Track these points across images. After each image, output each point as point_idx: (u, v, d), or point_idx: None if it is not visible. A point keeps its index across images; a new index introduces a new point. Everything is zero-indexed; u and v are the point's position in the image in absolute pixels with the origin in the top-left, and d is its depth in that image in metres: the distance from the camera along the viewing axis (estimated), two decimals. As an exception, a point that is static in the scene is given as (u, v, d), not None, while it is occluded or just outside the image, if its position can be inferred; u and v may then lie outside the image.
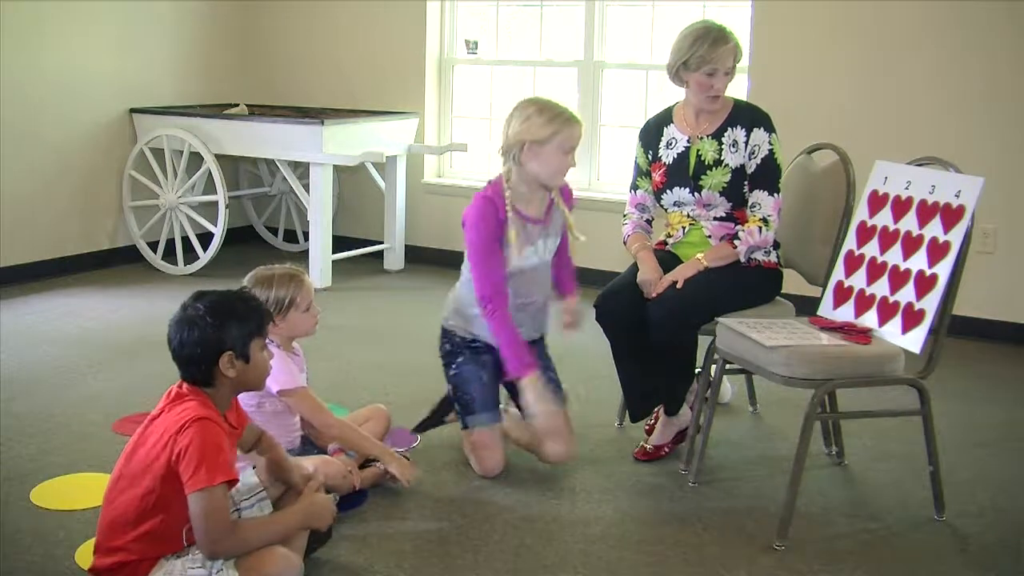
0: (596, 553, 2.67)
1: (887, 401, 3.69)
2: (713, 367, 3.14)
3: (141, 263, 5.82)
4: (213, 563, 2.18)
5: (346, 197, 6.26)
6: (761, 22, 5.05)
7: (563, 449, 3.08)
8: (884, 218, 2.96)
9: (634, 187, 3.41)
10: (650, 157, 3.36)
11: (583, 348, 4.42)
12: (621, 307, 3.20)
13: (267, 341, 2.82)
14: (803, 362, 2.73)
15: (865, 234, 3.01)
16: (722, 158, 3.23)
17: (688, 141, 3.30)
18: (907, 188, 2.92)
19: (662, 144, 3.33)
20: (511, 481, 3.04)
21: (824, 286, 3.10)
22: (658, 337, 3.07)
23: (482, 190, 3.05)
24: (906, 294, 2.81)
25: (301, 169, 5.65)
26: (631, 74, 5.64)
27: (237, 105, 6.09)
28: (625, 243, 3.37)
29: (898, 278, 2.85)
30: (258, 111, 5.97)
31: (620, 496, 3.01)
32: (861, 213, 3.04)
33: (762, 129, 3.22)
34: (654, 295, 3.10)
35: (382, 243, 5.93)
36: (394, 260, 5.92)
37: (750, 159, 3.22)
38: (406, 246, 5.99)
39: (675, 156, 3.30)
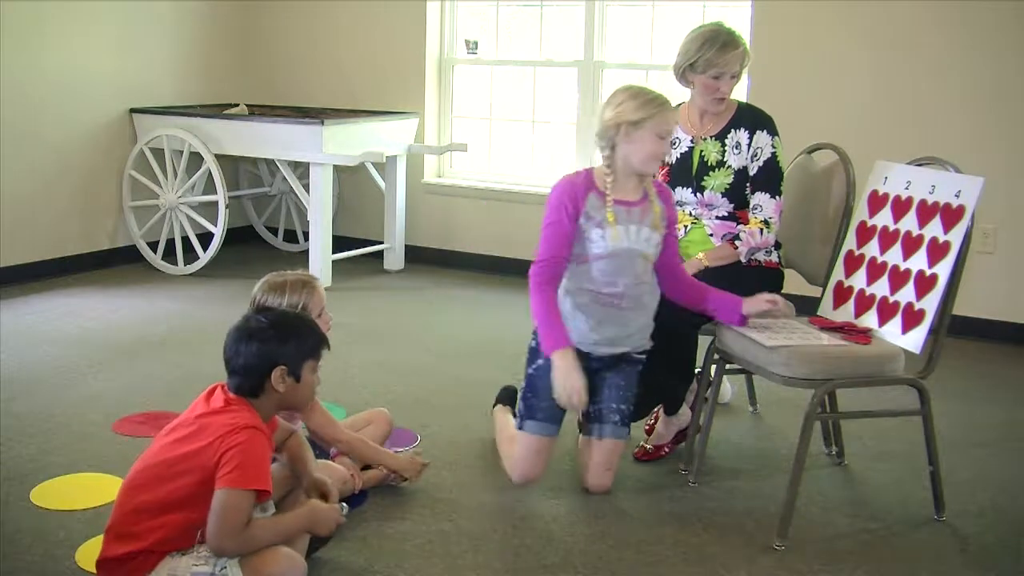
0: (596, 553, 2.67)
1: (887, 401, 3.69)
2: (713, 367, 3.14)
3: (141, 263, 5.82)
4: (218, 561, 2.19)
5: (346, 197, 6.26)
6: (761, 22, 5.05)
7: (594, 482, 2.99)
8: (884, 218, 2.96)
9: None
10: (653, 156, 3.36)
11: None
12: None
13: None
14: (803, 362, 2.74)
15: (865, 234, 3.01)
16: (725, 159, 3.24)
17: (692, 142, 3.30)
18: (907, 188, 2.92)
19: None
20: (511, 481, 3.04)
21: (824, 286, 3.11)
22: (658, 337, 3.07)
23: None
24: (906, 294, 2.81)
25: (301, 169, 5.65)
26: (631, 74, 5.64)
27: (237, 105, 6.09)
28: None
29: (898, 278, 2.85)
30: (258, 111, 5.97)
31: (620, 496, 3.01)
32: (861, 213, 3.05)
33: (765, 132, 3.22)
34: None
35: (382, 243, 5.93)
36: (394, 260, 5.92)
37: (752, 161, 3.22)
38: (406, 246, 5.99)
39: (678, 156, 3.30)
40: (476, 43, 6.04)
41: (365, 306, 5.11)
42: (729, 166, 3.22)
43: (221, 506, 2.15)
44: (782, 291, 3.28)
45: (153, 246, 5.83)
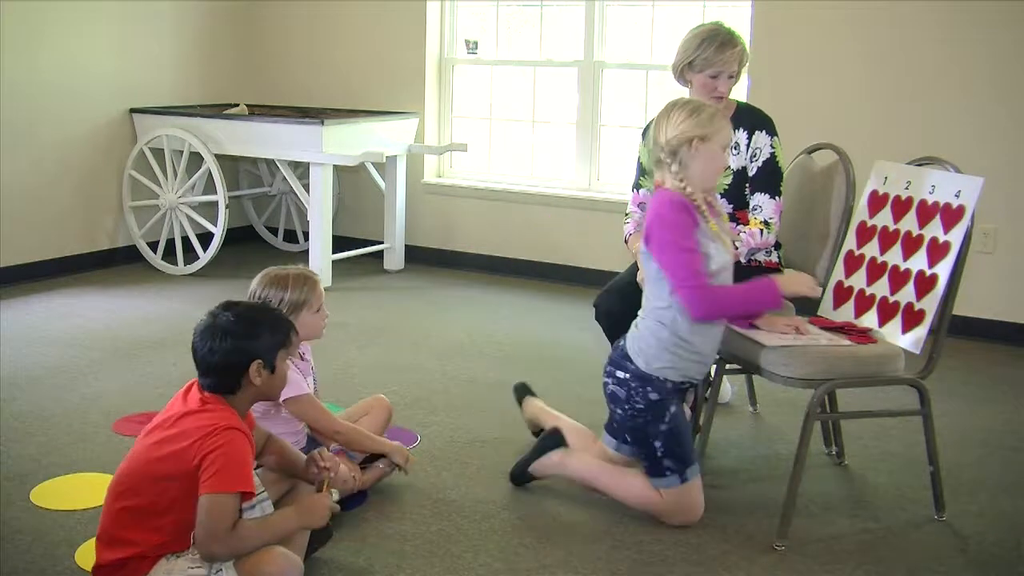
0: (596, 553, 2.67)
1: (887, 401, 3.69)
2: (713, 367, 3.14)
3: (141, 263, 5.82)
4: (213, 562, 2.18)
5: (346, 197, 6.26)
6: (761, 22, 5.05)
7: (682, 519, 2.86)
8: (884, 218, 2.96)
9: (636, 186, 3.41)
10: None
11: (583, 348, 4.42)
12: (620, 306, 3.20)
13: None
14: (803, 362, 2.74)
15: (865, 234, 3.01)
16: (724, 160, 3.23)
17: (690, 142, 3.29)
18: (907, 188, 2.92)
19: (663, 144, 3.33)
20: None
21: (824, 286, 3.10)
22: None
23: (656, 195, 2.73)
24: (906, 294, 2.81)
25: (301, 169, 5.65)
26: (631, 74, 5.64)
27: (237, 105, 6.09)
28: (626, 242, 3.36)
29: (898, 278, 2.85)
30: (258, 111, 5.98)
31: (620, 496, 3.01)
32: (861, 213, 3.05)
33: (764, 132, 3.22)
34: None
35: (382, 243, 5.93)
36: (394, 260, 5.92)
37: (751, 162, 3.22)
38: (406, 246, 5.99)
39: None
40: (476, 43, 6.04)
41: (365, 306, 5.11)
42: (728, 167, 3.22)
43: (206, 511, 2.14)
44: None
45: (153, 246, 5.83)
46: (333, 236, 5.60)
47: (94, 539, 2.29)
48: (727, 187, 3.23)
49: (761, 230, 3.17)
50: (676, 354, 2.72)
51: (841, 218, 3.14)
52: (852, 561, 2.66)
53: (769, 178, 3.20)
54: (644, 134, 3.41)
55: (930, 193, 2.84)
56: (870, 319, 2.90)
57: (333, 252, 5.54)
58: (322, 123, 5.30)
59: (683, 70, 3.24)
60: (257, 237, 6.56)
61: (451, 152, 6.01)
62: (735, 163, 3.23)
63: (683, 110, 2.71)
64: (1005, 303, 4.72)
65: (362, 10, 6.10)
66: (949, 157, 2.97)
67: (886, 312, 2.86)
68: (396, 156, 5.80)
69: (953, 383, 4.05)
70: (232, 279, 5.56)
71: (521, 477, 3.03)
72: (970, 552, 2.73)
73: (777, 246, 3.28)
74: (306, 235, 6.11)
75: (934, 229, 2.79)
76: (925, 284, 2.77)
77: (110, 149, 5.73)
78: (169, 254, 5.79)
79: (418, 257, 6.04)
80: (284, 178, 6.01)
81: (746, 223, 3.22)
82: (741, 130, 3.25)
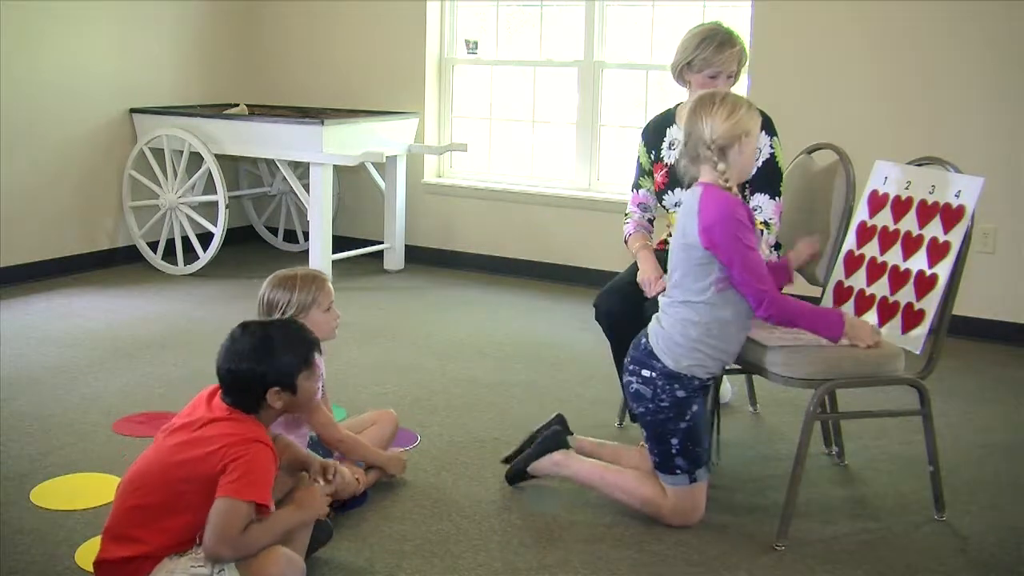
0: (596, 553, 2.67)
1: (887, 401, 3.69)
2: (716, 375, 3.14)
3: (141, 263, 5.82)
4: (217, 563, 2.18)
5: (346, 197, 6.26)
6: (761, 22, 5.05)
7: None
8: (884, 218, 2.96)
9: (636, 186, 3.41)
10: (652, 157, 3.36)
11: (583, 348, 4.42)
12: (620, 306, 3.20)
13: None
14: (803, 362, 2.74)
15: (865, 234, 3.01)
16: (723, 160, 3.23)
17: (689, 142, 3.29)
18: (907, 188, 2.92)
19: (664, 145, 3.33)
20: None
21: (824, 286, 3.10)
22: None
23: (705, 191, 2.69)
24: (906, 294, 2.81)
25: (301, 169, 5.65)
26: (631, 74, 5.64)
27: (237, 105, 6.09)
28: (626, 242, 3.36)
29: (898, 278, 2.85)
30: (258, 111, 5.98)
31: (620, 496, 3.01)
32: (861, 213, 3.04)
33: (763, 132, 3.22)
34: (653, 294, 3.10)
35: (382, 243, 5.94)
36: (394, 260, 5.92)
37: (752, 161, 3.22)
38: (406, 246, 5.99)
39: (676, 157, 3.30)
40: (476, 43, 6.04)
41: (365, 306, 5.11)
42: None
43: (220, 514, 2.14)
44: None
45: (153, 246, 5.83)
46: (333, 236, 5.60)
47: (94, 539, 2.30)
48: (727, 187, 3.23)
49: (761, 231, 3.16)
50: (704, 352, 2.72)
51: (841, 218, 3.14)
52: (852, 561, 2.66)
53: (769, 178, 3.20)
54: (644, 134, 3.41)
55: (930, 193, 2.84)
56: (870, 319, 2.90)
57: (333, 252, 5.55)
58: (322, 123, 5.30)
59: (682, 70, 3.24)
60: (257, 237, 6.56)
61: (451, 152, 6.01)
62: (735, 163, 3.23)
63: (725, 106, 2.68)
64: (1005, 303, 4.72)
65: (362, 10, 6.10)
66: (949, 157, 2.97)
67: (886, 312, 2.86)
68: (396, 156, 5.80)
69: (953, 383, 4.05)
70: (232, 279, 5.56)
71: (517, 476, 3.02)
72: (970, 552, 2.73)
73: (777, 246, 3.28)
74: (306, 235, 6.11)
75: (934, 229, 2.79)
76: (925, 284, 2.77)
77: (110, 149, 5.73)
78: (169, 254, 5.79)
79: (418, 257, 6.04)
80: (284, 178, 6.01)
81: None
82: (741, 130, 3.24)
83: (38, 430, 3.39)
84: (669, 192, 3.31)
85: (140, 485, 2.23)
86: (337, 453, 2.94)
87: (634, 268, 3.25)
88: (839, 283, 3.04)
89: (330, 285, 2.91)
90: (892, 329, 2.83)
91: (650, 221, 3.40)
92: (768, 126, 3.24)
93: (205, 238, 5.67)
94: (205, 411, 2.29)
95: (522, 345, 4.50)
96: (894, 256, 2.89)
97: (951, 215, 2.76)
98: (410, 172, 5.97)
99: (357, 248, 5.91)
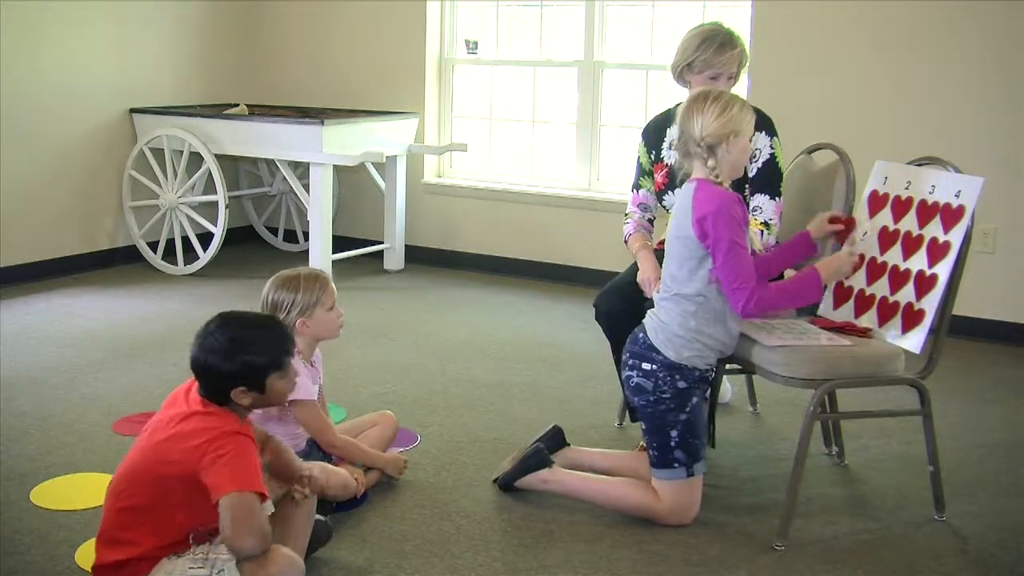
0: (596, 553, 2.67)
1: (887, 401, 3.69)
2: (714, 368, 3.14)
3: (141, 263, 5.82)
4: (215, 563, 2.18)
5: (346, 197, 6.26)
6: (761, 22, 5.05)
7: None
8: (884, 218, 2.96)
9: (636, 186, 3.41)
10: (652, 157, 3.36)
11: (583, 348, 4.42)
12: (620, 306, 3.20)
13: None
14: (803, 362, 2.73)
15: (865, 234, 3.01)
16: (723, 160, 3.23)
17: (689, 142, 3.29)
18: (907, 188, 2.92)
19: (664, 145, 3.33)
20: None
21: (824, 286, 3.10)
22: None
23: (700, 185, 2.73)
24: (906, 294, 2.81)
25: (301, 169, 5.65)
26: (631, 74, 5.64)
27: (237, 105, 6.09)
28: (626, 242, 3.36)
29: (898, 278, 2.85)
30: (258, 111, 5.97)
31: (620, 496, 3.00)
32: (861, 213, 3.04)
33: (763, 132, 3.22)
34: (653, 294, 3.10)
35: (382, 243, 5.94)
36: (394, 260, 5.92)
37: (751, 162, 3.21)
38: (406, 246, 5.99)
39: (676, 157, 3.30)
40: (476, 43, 6.04)
41: (365, 306, 5.10)
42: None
43: (233, 509, 2.12)
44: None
45: (153, 246, 5.83)
46: (333, 236, 5.61)
47: (94, 539, 2.29)
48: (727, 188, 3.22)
49: (762, 231, 3.16)
50: (704, 343, 2.76)
51: (841, 218, 3.14)
52: (852, 561, 2.66)
53: (769, 179, 3.20)
54: (644, 134, 3.41)
55: (930, 193, 2.84)
56: (870, 319, 2.90)
57: (333, 252, 5.55)
58: (322, 123, 5.30)
59: (682, 71, 3.24)
60: (257, 237, 6.56)
61: (451, 152, 6.01)
62: (735, 163, 3.23)
63: (716, 105, 2.72)
64: (1005, 303, 4.72)
65: (362, 10, 6.10)
66: (949, 157, 2.97)
67: (886, 312, 2.86)
68: (396, 156, 5.80)
69: (953, 383, 4.05)
70: (232, 279, 5.56)
71: (508, 487, 3.01)
72: (970, 552, 2.73)
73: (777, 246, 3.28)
74: (306, 235, 6.11)
75: (934, 229, 2.79)
76: (925, 284, 2.77)
77: (110, 149, 5.73)
78: (169, 254, 5.79)
79: (418, 257, 6.04)
80: (284, 178, 6.01)
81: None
82: (740, 131, 3.24)
83: (38, 430, 3.39)
84: (669, 192, 3.30)
85: (126, 486, 2.22)
86: (335, 456, 2.94)
87: (634, 268, 3.25)
88: (839, 283, 3.04)
89: (332, 284, 2.92)
90: (892, 329, 2.83)
91: (650, 221, 3.40)
92: (768, 126, 3.23)
93: (205, 238, 5.67)
94: (183, 406, 2.26)
95: (522, 345, 4.50)
96: (894, 256, 2.89)
97: (951, 215, 2.76)
98: (410, 172, 5.97)
99: (357, 248, 5.91)
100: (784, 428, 3.57)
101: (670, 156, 3.30)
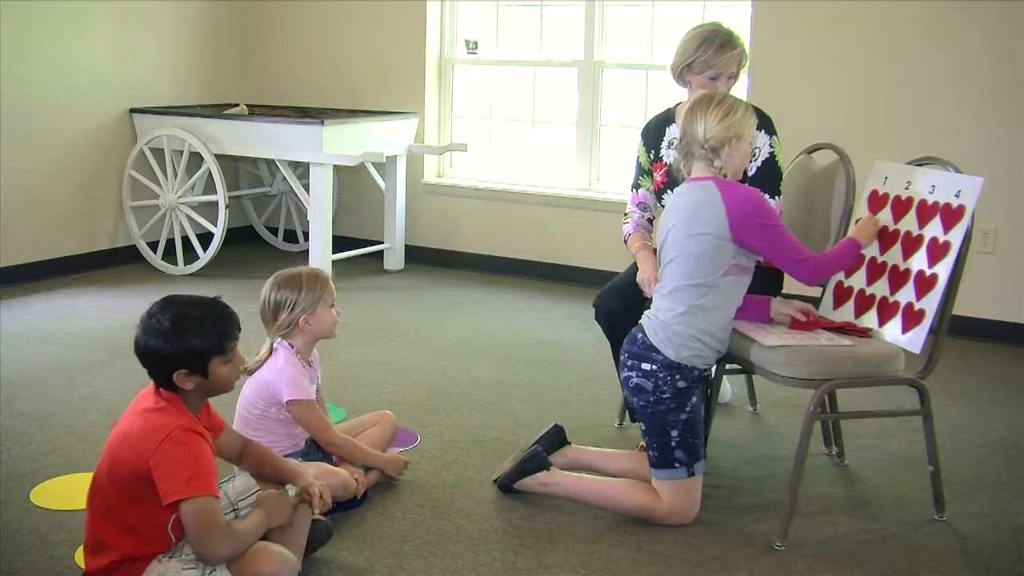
0: (596, 553, 2.67)
1: (887, 401, 3.69)
2: (713, 367, 3.14)
3: (141, 263, 5.82)
4: (214, 564, 2.17)
5: (346, 197, 6.26)
6: (761, 22, 5.05)
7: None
8: (884, 218, 2.96)
9: (635, 186, 3.41)
10: (652, 156, 3.36)
11: (583, 348, 4.42)
12: (620, 306, 3.20)
13: (283, 345, 2.83)
14: (803, 362, 2.73)
15: (865, 234, 3.01)
16: (723, 159, 3.23)
17: (689, 142, 3.29)
18: (907, 188, 2.92)
19: (663, 144, 3.33)
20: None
21: (824, 286, 3.10)
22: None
23: (720, 185, 2.77)
24: (906, 294, 2.81)
25: (301, 169, 5.65)
26: (631, 74, 5.64)
27: (237, 105, 6.09)
28: (625, 242, 3.36)
29: (898, 278, 2.85)
30: (258, 111, 5.98)
31: (620, 496, 3.00)
32: (861, 213, 3.04)
33: (763, 132, 3.22)
34: (653, 294, 3.09)
35: (382, 243, 5.94)
36: (394, 260, 5.92)
37: (751, 161, 3.21)
38: (406, 246, 5.99)
39: (676, 156, 3.30)
40: (476, 43, 6.04)
41: (365, 306, 5.11)
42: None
43: (192, 517, 2.10)
44: (782, 291, 3.29)
45: (153, 246, 5.83)
46: (333, 236, 5.61)
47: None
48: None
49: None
50: (703, 341, 2.77)
51: (841, 218, 3.15)
52: (852, 561, 2.66)
53: (768, 178, 3.20)
54: (643, 134, 3.41)
55: (930, 193, 2.84)
56: (870, 319, 2.90)
57: (333, 252, 5.55)
58: (322, 123, 5.30)
59: (682, 71, 3.24)
60: (257, 237, 6.56)
61: (451, 152, 6.01)
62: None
63: (720, 108, 2.79)
64: (1005, 303, 4.72)
65: (362, 10, 6.10)
66: (949, 157, 2.97)
67: (886, 312, 2.86)
68: (396, 156, 5.80)
69: (953, 383, 4.05)
70: (232, 279, 5.56)
71: (507, 487, 3.00)
72: (970, 552, 2.73)
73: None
74: (306, 235, 6.11)
75: (934, 229, 2.79)
76: (925, 284, 2.77)
77: (110, 149, 5.73)
78: (169, 254, 5.79)
79: (418, 257, 6.04)
80: (284, 178, 6.01)
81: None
82: (740, 130, 3.24)
83: (38, 430, 3.39)
84: (669, 191, 3.30)
85: (97, 488, 2.20)
86: (335, 456, 2.94)
87: (634, 268, 3.25)
88: (839, 283, 3.04)
89: (332, 283, 2.93)
90: (892, 329, 2.83)
91: (650, 221, 3.40)
92: (768, 125, 3.23)
93: (205, 238, 5.67)
94: (140, 401, 2.24)
95: (522, 345, 4.50)
96: (894, 256, 2.89)
97: (951, 215, 2.76)
98: (410, 172, 5.97)
99: (357, 248, 5.91)
100: (784, 428, 3.57)
101: (669, 155, 3.30)
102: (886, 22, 4.80)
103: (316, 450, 2.92)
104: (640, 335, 2.83)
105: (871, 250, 2.96)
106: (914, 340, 2.76)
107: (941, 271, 2.74)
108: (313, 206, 5.41)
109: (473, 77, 6.12)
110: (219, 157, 5.57)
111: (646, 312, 2.88)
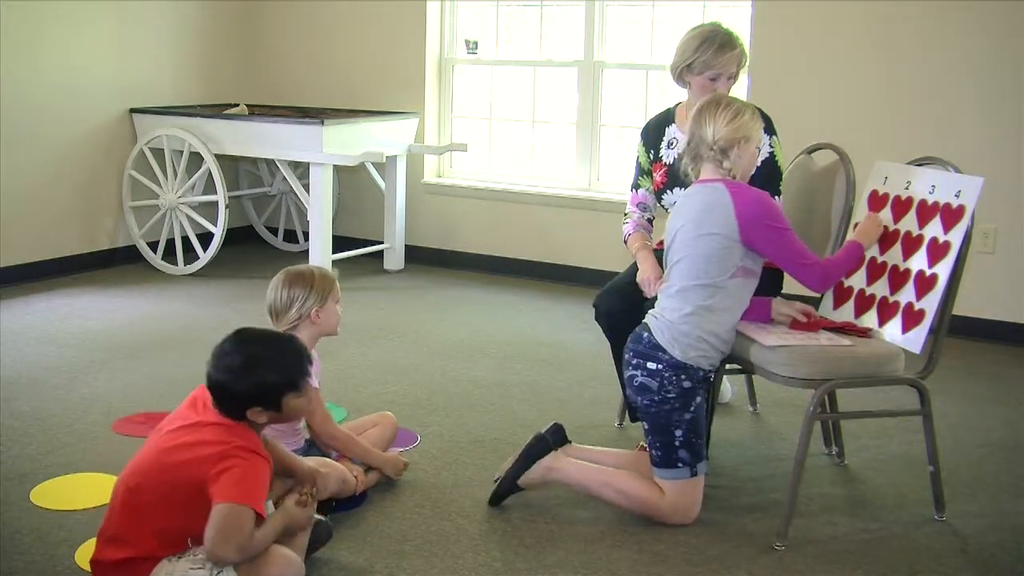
0: (596, 553, 2.67)
1: (887, 401, 3.69)
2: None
3: (141, 263, 5.82)
4: (220, 566, 2.18)
5: (346, 197, 6.26)
6: (761, 22, 5.05)
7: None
8: (884, 218, 2.96)
9: (635, 186, 3.41)
10: (651, 156, 3.36)
11: (583, 348, 4.42)
12: (620, 306, 3.20)
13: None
14: (803, 362, 2.74)
15: (865, 234, 3.00)
16: (723, 159, 3.23)
17: (689, 142, 3.29)
18: (907, 188, 2.92)
19: (663, 144, 3.33)
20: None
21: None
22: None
23: (729, 187, 2.79)
24: (906, 294, 2.81)
25: (301, 169, 5.65)
26: (631, 74, 5.64)
27: (237, 105, 6.09)
28: (625, 242, 3.36)
29: (898, 278, 2.85)
30: (258, 111, 5.97)
31: (620, 496, 3.00)
32: (861, 213, 3.04)
33: (763, 131, 3.21)
34: (653, 294, 3.10)
35: (382, 243, 5.94)
36: (394, 260, 5.92)
37: (751, 161, 3.22)
38: (406, 246, 5.99)
39: (676, 156, 3.30)
40: (476, 43, 6.04)
41: (365, 306, 5.10)
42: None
43: (225, 518, 2.12)
44: (782, 291, 3.29)
45: (153, 246, 5.83)
46: (333, 236, 5.61)
47: (94, 539, 2.29)
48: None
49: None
50: (709, 342, 2.78)
51: (841, 218, 3.15)
52: (852, 561, 2.66)
53: (768, 177, 3.19)
54: (643, 133, 3.41)
55: (930, 193, 2.84)
56: (870, 319, 2.90)
57: (333, 252, 5.55)
58: (322, 123, 5.30)
59: (682, 72, 3.24)
60: (257, 237, 6.56)
61: (451, 152, 6.01)
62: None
63: (728, 111, 2.83)
64: (1005, 303, 4.72)
65: (362, 10, 6.10)
66: (949, 157, 2.97)
67: (886, 312, 2.86)
68: (396, 156, 5.80)
69: (953, 383, 4.05)
70: (232, 279, 5.56)
71: (506, 494, 2.94)
72: (970, 552, 2.74)
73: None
74: (306, 235, 6.11)
75: (934, 229, 2.79)
76: (925, 284, 2.77)
77: (110, 149, 5.73)
78: (169, 254, 5.79)
79: (418, 257, 6.04)
80: (284, 178, 6.01)
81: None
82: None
83: (38, 430, 3.39)
84: (668, 191, 3.30)
85: (134, 486, 2.21)
86: (335, 452, 2.94)
87: (634, 268, 3.25)
88: (839, 283, 3.04)
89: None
90: (892, 329, 2.83)
91: (649, 221, 3.40)
92: (768, 125, 3.23)
93: (205, 238, 5.67)
94: (201, 413, 2.26)
95: (522, 345, 4.50)
96: (894, 256, 2.89)
97: (951, 215, 2.76)
98: (410, 172, 5.97)
99: (357, 248, 5.91)
100: (784, 428, 3.57)
101: (669, 155, 3.30)
102: (886, 22, 4.80)
103: (315, 448, 2.92)
104: (646, 334, 2.83)
105: (871, 250, 2.96)
106: (914, 340, 2.76)
107: (941, 271, 2.74)
108: (313, 206, 5.41)
109: (473, 77, 6.12)
110: (219, 157, 5.57)
111: (651, 311, 2.88)
